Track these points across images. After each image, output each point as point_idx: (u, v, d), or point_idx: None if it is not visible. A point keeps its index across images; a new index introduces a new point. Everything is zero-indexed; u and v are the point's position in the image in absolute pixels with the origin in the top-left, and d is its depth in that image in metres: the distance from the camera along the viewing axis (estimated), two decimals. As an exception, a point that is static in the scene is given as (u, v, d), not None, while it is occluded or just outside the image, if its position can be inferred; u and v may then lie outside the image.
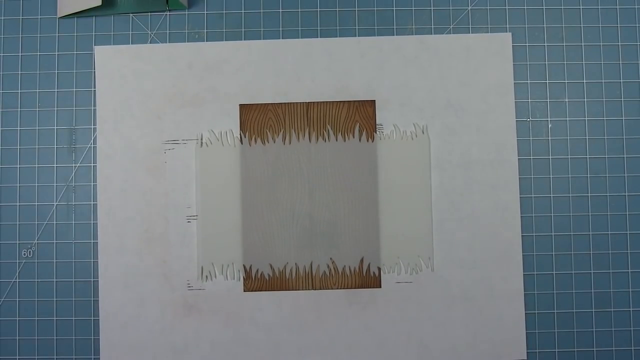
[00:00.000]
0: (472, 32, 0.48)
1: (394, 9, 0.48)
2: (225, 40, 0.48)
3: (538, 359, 0.47)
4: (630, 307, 0.47)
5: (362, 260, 0.47)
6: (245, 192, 0.47)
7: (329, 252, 0.47)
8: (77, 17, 0.48)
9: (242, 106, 0.47)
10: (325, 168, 0.47)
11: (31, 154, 0.48)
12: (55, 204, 0.48)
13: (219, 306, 0.47)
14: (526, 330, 0.47)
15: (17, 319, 0.47)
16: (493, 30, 0.48)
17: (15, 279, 0.47)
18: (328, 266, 0.47)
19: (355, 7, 0.48)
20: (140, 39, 0.48)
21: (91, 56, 0.48)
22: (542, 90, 0.48)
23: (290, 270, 0.47)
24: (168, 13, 0.48)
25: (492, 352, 0.46)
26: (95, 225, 0.47)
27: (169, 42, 0.48)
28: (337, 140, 0.47)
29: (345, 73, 0.47)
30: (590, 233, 0.47)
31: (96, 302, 0.47)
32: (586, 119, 0.48)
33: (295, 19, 0.48)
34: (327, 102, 0.47)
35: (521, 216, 0.47)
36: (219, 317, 0.47)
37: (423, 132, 0.47)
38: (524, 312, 0.47)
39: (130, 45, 0.48)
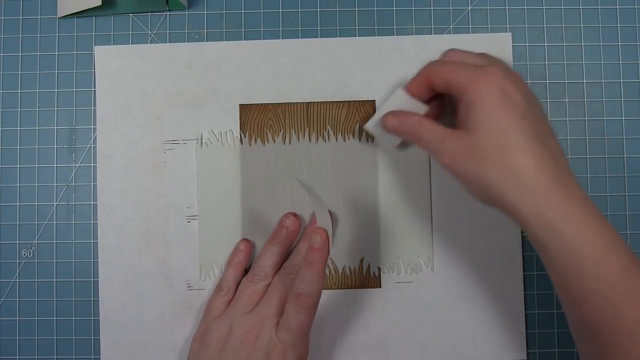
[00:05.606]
0: (472, 32, 0.48)
1: (394, 9, 0.48)
2: (225, 40, 0.48)
3: (538, 359, 0.47)
4: (630, 307, 0.47)
5: (362, 260, 0.47)
6: (245, 192, 0.47)
7: (329, 252, 0.47)
8: (77, 17, 0.48)
9: (242, 106, 0.47)
10: (325, 168, 0.47)
11: (31, 154, 0.48)
12: (55, 204, 0.48)
13: (219, 306, 0.47)
14: (526, 330, 0.47)
15: (17, 319, 0.47)
16: (493, 30, 0.48)
17: (15, 279, 0.47)
18: (328, 266, 0.47)
19: (355, 7, 0.48)
20: (140, 39, 0.48)
21: (91, 56, 0.48)
22: (542, 90, 0.48)
23: (290, 270, 0.47)
24: (168, 13, 0.48)
25: (492, 352, 0.46)
26: (95, 225, 0.47)
27: (169, 42, 0.48)
28: (337, 140, 0.47)
29: (345, 73, 0.47)
30: (590, 233, 0.47)
31: (96, 302, 0.47)
32: (586, 119, 0.48)
33: (295, 19, 0.48)
34: (327, 102, 0.47)
35: (521, 216, 0.47)
36: (219, 317, 0.47)
37: (423, 132, 0.47)
38: (524, 312, 0.47)
39: (130, 45, 0.48)
